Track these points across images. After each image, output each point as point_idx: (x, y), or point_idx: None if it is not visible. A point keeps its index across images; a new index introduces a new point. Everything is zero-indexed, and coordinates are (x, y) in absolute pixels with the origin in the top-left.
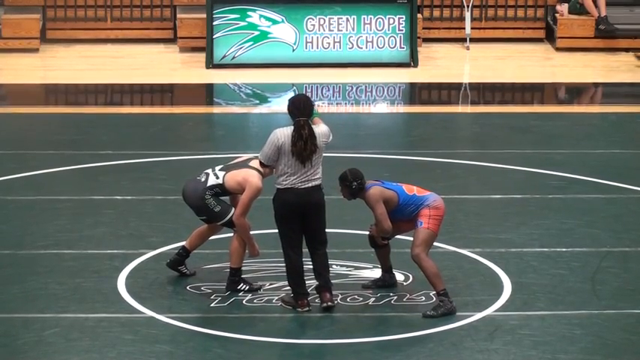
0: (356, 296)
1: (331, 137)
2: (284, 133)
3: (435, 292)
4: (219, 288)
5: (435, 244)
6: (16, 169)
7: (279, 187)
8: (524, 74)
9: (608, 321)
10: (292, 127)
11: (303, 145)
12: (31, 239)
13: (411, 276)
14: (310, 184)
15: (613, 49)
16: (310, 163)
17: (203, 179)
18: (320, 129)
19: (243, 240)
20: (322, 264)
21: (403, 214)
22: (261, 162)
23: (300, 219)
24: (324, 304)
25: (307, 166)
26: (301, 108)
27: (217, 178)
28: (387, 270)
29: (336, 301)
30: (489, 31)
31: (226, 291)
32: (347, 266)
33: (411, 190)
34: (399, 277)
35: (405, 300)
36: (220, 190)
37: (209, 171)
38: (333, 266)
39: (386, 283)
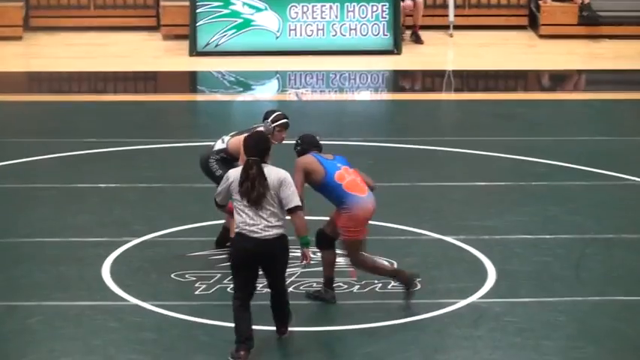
0: (341, 284)
1: (289, 188)
2: (235, 173)
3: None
4: (203, 275)
5: (420, 231)
6: (0, 157)
7: (236, 229)
8: (507, 61)
9: (593, 308)
10: None
11: (250, 187)
12: (14, 227)
13: (395, 263)
14: (264, 234)
15: (596, 36)
16: (262, 208)
17: (212, 144)
18: (274, 174)
19: None
20: (278, 307)
21: (329, 198)
22: (216, 203)
23: (252, 268)
24: (278, 336)
25: (261, 212)
26: (251, 146)
27: (223, 142)
28: (327, 282)
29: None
30: (473, 19)
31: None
32: None
33: (342, 178)
34: (384, 263)
35: (389, 287)
36: (225, 154)
37: (223, 137)
38: (317, 254)
39: (323, 297)
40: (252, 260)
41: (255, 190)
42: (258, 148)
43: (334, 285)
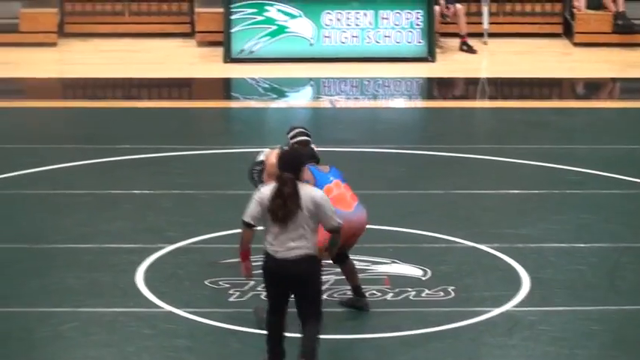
0: (374, 292)
1: (327, 208)
2: (267, 189)
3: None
4: (237, 282)
5: (454, 238)
6: (34, 164)
7: (266, 251)
8: (542, 69)
9: (627, 317)
10: None
11: (281, 204)
12: (48, 233)
13: (429, 271)
14: (291, 254)
15: (631, 44)
16: (291, 228)
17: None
18: (309, 193)
19: None
20: (308, 337)
21: None
22: (244, 222)
23: (283, 289)
24: None
25: (289, 231)
26: (286, 161)
27: (262, 155)
28: (356, 291)
29: None
30: (507, 26)
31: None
32: (365, 261)
33: (330, 192)
34: (417, 272)
35: (423, 295)
36: (263, 167)
37: (264, 149)
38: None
39: (353, 304)
40: (279, 281)
41: (285, 208)
42: (294, 164)
43: (367, 292)
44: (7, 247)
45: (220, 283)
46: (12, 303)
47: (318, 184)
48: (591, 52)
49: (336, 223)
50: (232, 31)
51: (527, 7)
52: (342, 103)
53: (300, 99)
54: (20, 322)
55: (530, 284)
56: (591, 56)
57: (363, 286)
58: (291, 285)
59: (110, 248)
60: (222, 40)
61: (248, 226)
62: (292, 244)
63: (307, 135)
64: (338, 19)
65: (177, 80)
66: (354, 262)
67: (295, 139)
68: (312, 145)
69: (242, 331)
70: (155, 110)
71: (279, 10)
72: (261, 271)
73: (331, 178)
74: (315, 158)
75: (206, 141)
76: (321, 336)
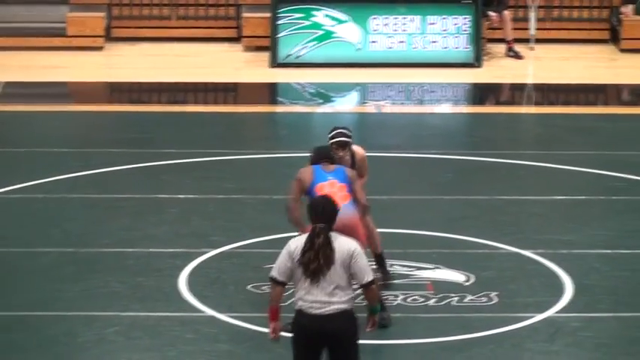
0: (417, 297)
1: (361, 261)
2: (298, 241)
3: None
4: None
5: (498, 244)
6: (81, 167)
7: (295, 307)
8: (588, 75)
9: None
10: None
11: (313, 257)
12: (93, 237)
13: (472, 276)
14: (325, 310)
15: None
16: (324, 282)
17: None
18: (344, 245)
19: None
20: None
21: None
22: (272, 278)
23: (315, 350)
24: None
25: (322, 286)
26: (319, 211)
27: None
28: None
29: None
30: (554, 32)
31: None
32: (408, 266)
33: (320, 190)
34: (460, 277)
35: (465, 301)
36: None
37: None
38: (395, 266)
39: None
40: (312, 341)
41: (317, 261)
42: (326, 213)
43: (410, 298)
44: (52, 250)
45: (263, 288)
46: (57, 307)
47: (314, 182)
48: (638, 59)
49: (370, 278)
50: (279, 35)
51: (574, 13)
52: (388, 108)
53: (346, 104)
54: (65, 326)
55: (574, 290)
56: (638, 62)
57: (406, 292)
58: (326, 344)
59: (154, 252)
60: (268, 45)
61: (276, 282)
62: (326, 299)
63: (347, 136)
64: (385, 25)
65: (223, 85)
66: (397, 266)
67: (333, 140)
68: (354, 147)
69: (284, 337)
70: (201, 115)
71: (326, 15)
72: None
73: (329, 178)
74: (329, 158)
75: (252, 146)
76: (363, 341)
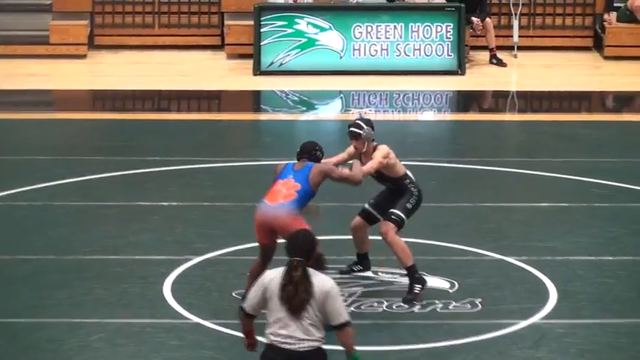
0: (402, 304)
1: (336, 301)
2: (273, 274)
3: None
4: None
5: (482, 251)
6: (64, 175)
7: (265, 340)
8: (572, 82)
9: None
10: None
11: (293, 292)
12: (77, 245)
13: (456, 283)
14: (299, 346)
15: None
16: (298, 317)
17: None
18: (320, 282)
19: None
20: None
21: None
22: (243, 312)
23: None
24: None
25: (299, 321)
26: (296, 246)
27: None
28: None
29: None
30: (537, 39)
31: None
32: (392, 273)
33: (274, 184)
34: (445, 284)
35: (450, 307)
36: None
37: None
38: (379, 273)
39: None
40: None
41: (298, 296)
42: (305, 248)
43: (395, 305)
44: (36, 258)
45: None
46: (41, 314)
47: (277, 177)
48: (621, 66)
49: (344, 320)
50: (262, 43)
51: (558, 21)
52: (371, 115)
53: (330, 112)
54: (49, 333)
55: (558, 297)
56: (621, 70)
57: (391, 299)
58: None
59: (138, 260)
60: (252, 53)
61: (246, 315)
62: (302, 336)
63: (358, 127)
64: (368, 32)
65: (206, 93)
66: (382, 274)
67: (349, 128)
68: (381, 146)
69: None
70: (184, 122)
71: (309, 23)
72: None
73: (289, 176)
74: (308, 154)
75: (235, 153)
76: None
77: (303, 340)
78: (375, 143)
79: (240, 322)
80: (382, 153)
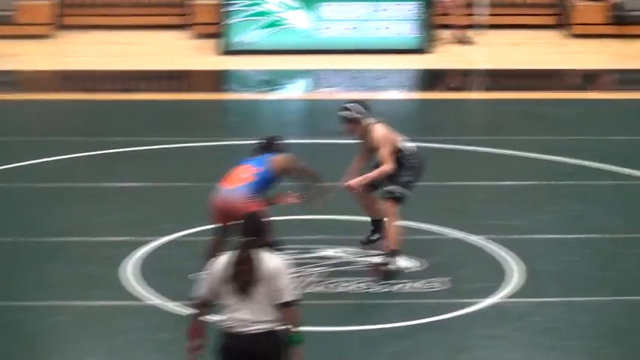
0: (365, 283)
1: (285, 279)
2: (225, 258)
3: None
4: None
5: (446, 230)
6: (31, 156)
7: (220, 329)
8: (538, 60)
9: (619, 307)
10: None
11: (242, 270)
12: (42, 226)
13: (421, 263)
14: (251, 329)
15: (627, 35)
16: (249, 299)
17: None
18: (271, 262)
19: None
20: None
21: None
22: (198, 302)
23: None
24: None
25: (247, 304)
26: (247, 226)
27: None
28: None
29: None
30: (504, 18)
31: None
32: (356, 253)
33: (233, 170)
34: (409, 263)
35: (414, 287)
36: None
37: None
38: (343, 253)
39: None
40: None
41: (246, 275)
42: (255, 228)
43: (360, 283)
44: (1, 239)
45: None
46: (3, 296)
47: (237, 165)
48: (588, 44)
49: (290, 298)
50: (230, 22)
51: None
52: (338, 94)
53: (297, 90)
54: (13, 315)
55: (522, 275)
56: (588, 47)
57: (353, 278)
58: None
59: (104, 241)
60: (219, 32)
61: (201, 303)
62: (253, 318)
63: (347, 109)
64: (336, 11)
65: (174, 72)
66: (345, 254)
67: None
68: (376, 126)
69: None
70: (152, 102)
71: (277, 2)
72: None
73: (248, 163)
74: (267, 148)
75: (202, 133)
76: (309, 328)
77: (255, 322)
78: (367, 122)
79: (191, 320)
80: (382, 143)
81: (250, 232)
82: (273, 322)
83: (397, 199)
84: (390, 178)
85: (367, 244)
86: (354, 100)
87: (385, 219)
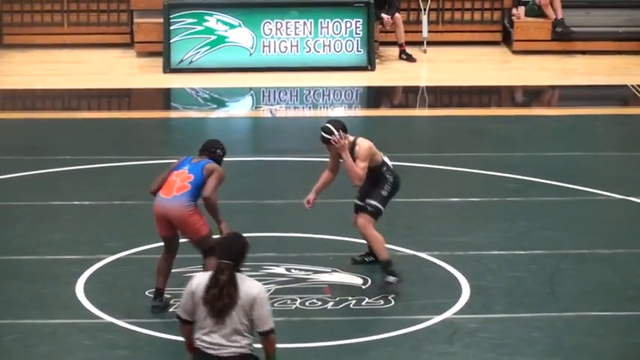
0: (315, 300)
1: (263, 308)
2: (200, 278)
3: None
4: (178, 292)
5: (393, 247)
6: None
7: (194, 344)
8: (481, 77)
9: (566, 323)
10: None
11: (217, 295)
12: None
13: (369, 279)
14: (224, 352)
15: (569, 51)
16: (226, 322)
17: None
18: (248, 287)
19: None
20: None
21: None
22: (179, 319)
23: None
24: None
25: (223, 327)
26: (225, 248)
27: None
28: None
29: None
30: (446, 35)
31: None
32: (305, 270)
33: (170, 176)
34: (357, 280)
35: (363, 304)
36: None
37: None
38: (292, 270)
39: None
40: None
41: (222, 300)
42: (234, 251)
43: (308, 302)
44: None
45: None
46: None
47: (174, 168)
48: (530, 60)
49: (269, 327)
50: (172, 41)
51: (467, 16)
52: (282, 112)
53: (240, 109)
54: None
55: (471, 292)
56: (530, 64)
57: (303, 296)
58: None
59: (51, 260)
60: (161, 51)
61: (182, 321)
62: (225, 342)
63: (327, 132)
64: (278, 29)
65: (116, 91)
66: (294, 271)
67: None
68: (359, 140)
69: (182, 341)
70: (95, 121)
71: (218, 20)
72: None
73: (184, 168)
74: (210, 153)
75: (146, 151)
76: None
77: (226, 346)
78: (352, 138)
79: (181, 334)
80: (363, 156)
81: (228, 254)
82: (245, 347)
83: (374, 215)
84: (370, 191)
85: (358, 263)
86: (332, 120)
87: (365, 232)
